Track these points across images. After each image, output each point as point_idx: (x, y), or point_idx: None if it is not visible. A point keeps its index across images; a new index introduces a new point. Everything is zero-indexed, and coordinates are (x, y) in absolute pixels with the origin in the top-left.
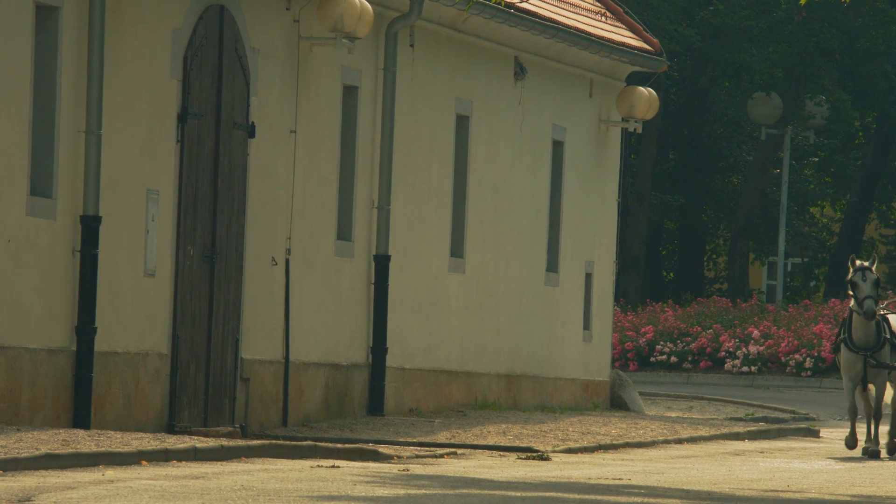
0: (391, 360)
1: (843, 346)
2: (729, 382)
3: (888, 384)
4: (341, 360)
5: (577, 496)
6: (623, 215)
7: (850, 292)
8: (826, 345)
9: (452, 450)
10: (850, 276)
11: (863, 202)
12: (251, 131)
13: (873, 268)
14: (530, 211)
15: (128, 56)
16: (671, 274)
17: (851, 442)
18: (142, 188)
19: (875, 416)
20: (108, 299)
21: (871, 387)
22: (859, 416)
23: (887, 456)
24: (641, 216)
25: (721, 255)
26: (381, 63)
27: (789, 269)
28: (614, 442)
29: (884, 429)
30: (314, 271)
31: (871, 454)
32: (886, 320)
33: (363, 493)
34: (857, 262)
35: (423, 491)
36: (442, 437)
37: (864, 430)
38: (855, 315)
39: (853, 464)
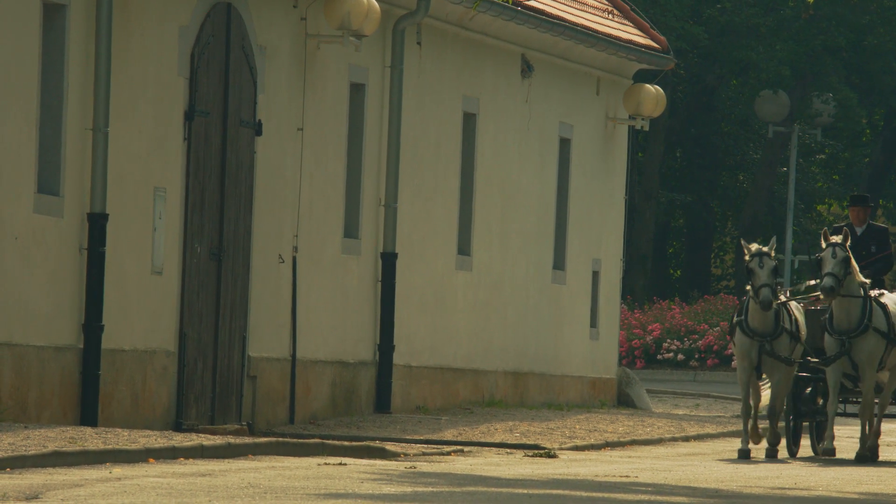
0: (398, 358)
1: (738, 329)
2: (736, 380)
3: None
4: (348, 357)
5: (584, 493)
6: (630, 213)
7: (748, 279)
8: None
9: (459, 447)
10: (746, 261)
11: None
12: (258, 129)
13: (772, 253)
14: (537, 208)
15: (135, 54)
16: (678, 271)
17: (744, 448)
18: (149, 186)
19: (770, 413)
20: (115, 297)
21: (765, 378)
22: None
23: (788, 457)
24: (648, 214)
25: (728, 252)
26: (388, 61)
27: (796, 266)
28: (621, 439)
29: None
30: (321, 269)
31: (768, 454)
32: (787, 307)
33: (370, 491)
34: (754, 247)
35: (430, 489)
36: (449, 435)
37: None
38: (752, 300)
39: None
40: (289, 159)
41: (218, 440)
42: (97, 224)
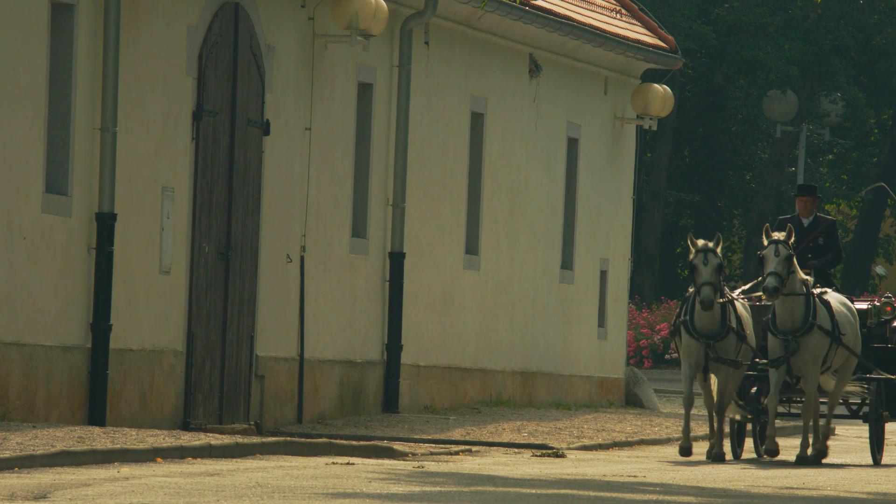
0: (406, 358)
1: (682, 329)
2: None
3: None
4: (356, 357)
5: (591, 493)
6: (638, 212)
7: (691, 276)
8: None
9: (467, 447)
10: (691, 257)
11: (878, 199)
12: (266, 129)
13: (717, 249)
14: (545, 208)
15: (143, 53)
16: (686, 271)
17: (686, 445)
18: (157, 185)
19: (718, 411)
20: (123, 297)
21: (713, 377)
22: (695, 409)
23: (732, 458)
24: (656, 213)
25: (736, 252)
26: (395, 60)
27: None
28: (629, 439)
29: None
30: (329, 269)
31: (716, 457)
32: (733, 304)
33: (378, 491)
34: (700, 243)
35: (437, 488)
36: (457, 435)
37: (703, 426)
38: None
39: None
40: (297, 159)
41: (226, 440)
42: (105, 224)
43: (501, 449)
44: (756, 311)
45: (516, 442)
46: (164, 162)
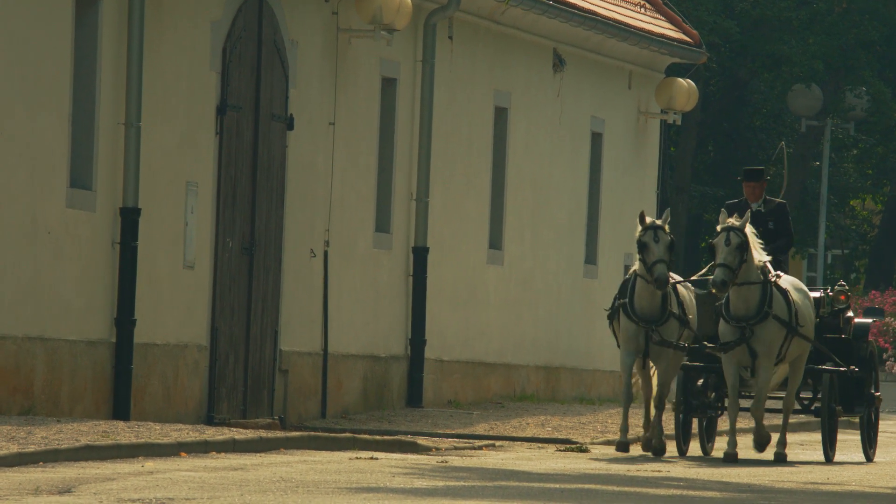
0: (429, 352)
1: (621, 313)
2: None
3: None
4: (380, 351)
5: (615, 488)
6: (662, 207)
7: (639, 255)
8: None
9: (491, 442)
10: (639, 235)
11: None
12: (290, 123)
13: (666, 227)
14: (569, 203)
15: (167, 49)
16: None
17: (624, 441)
18: (181, 180)
19: (658, 404)
20: (147, 291)
21: (652, 366)
22: (634, 403)
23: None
24: (681, 208)
25: None
26: (419, 55)
27: (829, 261)
28: None
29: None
30: (353, 263)
31: (656, 451)
32: (675, 288)
33: (402, 485)
34: (648, 220)
35: (461, 483)
36: (480, 429)
37: (639, 420)
38: (639, 280)
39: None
40: (320, 154)
41: (250, 434)
42: (129, 218)
43: (525, 444)
44: (708, 295)
45: (540, 437)
46: (188, 157)
